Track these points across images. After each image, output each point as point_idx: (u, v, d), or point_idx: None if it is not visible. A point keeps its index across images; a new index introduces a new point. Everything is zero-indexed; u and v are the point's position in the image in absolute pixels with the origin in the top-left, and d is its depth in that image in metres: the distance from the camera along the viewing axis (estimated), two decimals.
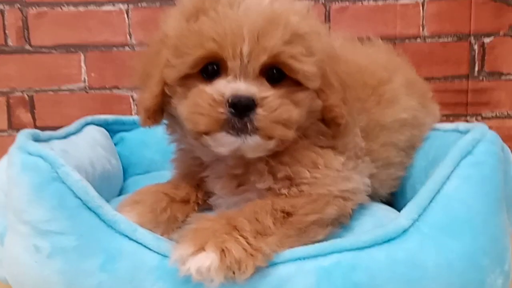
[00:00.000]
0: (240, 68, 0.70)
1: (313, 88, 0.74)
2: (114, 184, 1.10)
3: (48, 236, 0.68)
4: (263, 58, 0.69)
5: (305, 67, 0.71)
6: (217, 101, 0.68)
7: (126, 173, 1.24)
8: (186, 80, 0.73)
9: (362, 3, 1.46)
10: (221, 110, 0.68)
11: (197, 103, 0.70)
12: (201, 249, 0.63)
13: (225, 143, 0.71)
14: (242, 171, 0.78)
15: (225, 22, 0.69)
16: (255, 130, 0.69)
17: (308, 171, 0.76)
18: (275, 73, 0.72)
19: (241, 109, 0.67)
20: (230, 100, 0.67)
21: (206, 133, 0.71)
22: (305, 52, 0.71)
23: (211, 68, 0.72)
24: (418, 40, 1.48)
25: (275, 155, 0.76)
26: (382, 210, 0.87)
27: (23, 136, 0.75)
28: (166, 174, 1.17)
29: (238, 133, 0.69)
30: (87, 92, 1.46)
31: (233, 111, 0.68)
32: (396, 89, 0.95)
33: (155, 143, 1.28)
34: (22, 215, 0.69)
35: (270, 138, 0.70)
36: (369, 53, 1.03)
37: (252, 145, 0.70)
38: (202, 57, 0.71)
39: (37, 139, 0.79)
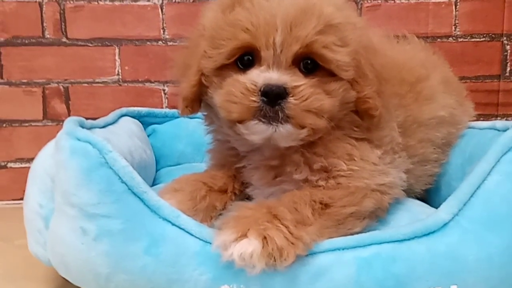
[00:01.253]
0: (273, 57, 0.71)
1: (347, 78, 0.74)
2: (149, 174, 1.13)
3: (95, 219, 0.70)
4: (296, 48, 0.70)
5: (338, 57, 0.72)
6: (249, 90, 0.70)
7: (157, 164, 1.27)
8: (222, 70, 0.76)
9: (394, 1, 1.46)
10: (254, 98, 0.70)
11: (231, 92, 0.72)
12: (244, 235, 0.64)
13: (257, 131, 0.72)
14: (278, 163, 0.80)
15: (259, 13, 0.71)
16: (287, 119, 0.70)
17: (345, 163, 0.77)
18: (309, 63, 0.73)
19: (273, 98, 0.69)
20: (262, 89, 0.69)
21: (240, 121, 0.73)
22: (338, 42, 0.72)
23: (246, 59, 0.75)
24: (450, 39, 1.47)
25: (310, 146, 0.77)
26: (417, 206, 0.88)
27: (71, 123, 0.78)
28: (197, 166, 1.20)
29: (270, 122, 0.70)
30: (120, 85, 1.49)
31: (265, 99, 0.69)
32: (434, 87, 0.96)
33: (186, 135, 1.31)
34: (71, 198, 0.71)
35: (301, 127, 0.71)
36: (406, 50, 1.04)
37: (283, 133, 0.71)
38: (237, 48, 0.73)
39: (82, 127, 0.81)
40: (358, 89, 0.76)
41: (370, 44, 0.79)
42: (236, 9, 0.73)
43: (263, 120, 0.71)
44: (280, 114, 0.70)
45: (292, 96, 0.70)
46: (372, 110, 0.77)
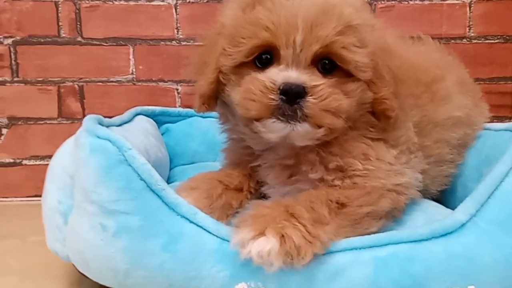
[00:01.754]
0: (293, 57, 0.72)
1: (364, 79, 0.75)
2: (164, 172, 1.14)
3: (114, 216, 0.71)
4: (316, 47, 0.71)
5: (356, 57, 0.72)
6: (268, 88, 0.70)
7: (171, 162, 1.28)
8: (240, 68, 0.76)
9: (408, 2, 1.46)
10: (272, 96, 0.70)
11: (250, 90, 0.72)
12: (262, 233, 0.64)
13: (274, 129, 0.73)
14: (294, 162, 0.80)
15: (280, 12, 0.72)
16: (305, 118, 0.71)
17: (360, 162, 0.77)
18: (327, 63, 0.74)
19: (292, 96, 0.70)
20: (281, 87, 0.70)
21: (257, 119, 0.73)
22: (357, 43, 0.73)
23: (264, 57, 0.75)
24: (464, 40, 1.47)
25: (326, 146, 0.78)
26: (433, 207, 0.88)
27: (90, 121, 0.79)
28: (211, 165, 1.21)
29: (288, 120, 0.71)
30: (134, 84, 1.50)
31: (284, 98, 0.70)
32: (450, 87, 0.96)
33: (199, 135, 1.32)
34: (90, 195, 0.72)
35: (319, 126, 0.72)
36: (421, 51, 1.04)
37: (301, 132, 0.72)
38: (256, 46, 0.74)
39: (100, 125, 0.82)
40: (375, 90, 0.76)
41: (386, 46, 0.79)
42: (257, 8, 0.74)
43: (281, 118, 0.71)
44: (298, 113, 0.70)
45: (310, 96, 0.70)
46: (389, 111, 0.77)
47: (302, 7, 0.72)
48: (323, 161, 0.78)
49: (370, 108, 0.78)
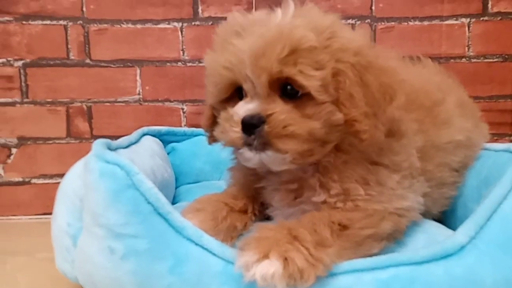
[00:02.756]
0: (252, 89, 0.75)
1: (324, 101, 0.74)
2: (170, 192, 1.16)
3: (122, 239, 0.72)
4: (264, 78, 0.73)
5: (310, 81, 0.72)
6: (235, 121, 0.75)
7: (177, 181, 1.30)
8: (225, 103, 0.81)
9: (408, 23, 1.49)
10: (237, 129, 0.74)
11: (222, 124, 0.77)
12: (266, 256, 0.66)
13: (246, 158, 0.77)
14: (297, 186, 0.82)
15: (235, 51, 0.75)
16: (266, 145, 0.74)
17: (362, 187, 0.78)
18: (290, 89, 0.75)
19: (249, 127, 0.73)
20: (242, 120, 0.74)
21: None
22: (312, 65, 0.73)
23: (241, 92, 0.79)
24: (464, 60, 1.49)
25: (325, 171, 0.79)
26: (434, 227, 0.88)
27: (99, 145, 0.81)
28: (216, 183, 1.23)
29: (254, 149, 0.74)
30: (141, 104, 1.54)
31: (244, 129, 0.74)
32: (450, 110, 0.97)
33: (205, 154, 1.34)
34: (99, 219, 0.74)
35: (283, 151, 0.74)
36: (423, 73, 1.05)
37: (269, 159, 0.75)
38: (227, 85, 0.78)
39: (109, 149, 0.85)
40: (345, 111, 0.75)
41: (369, 64, 0.76)
42: (222, 51, 0.78)
43: (249, 148, 0.75)
44: (256, 142, 0.74)
45: (266, 124, 0.73)
46: (360, 134, 0.75)
47: (250, 42, 0.74)
48: (324, 186, 0.79)
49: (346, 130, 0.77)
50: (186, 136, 1.38)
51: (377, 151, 0.80)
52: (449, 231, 0.85)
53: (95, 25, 1.51)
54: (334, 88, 0.74)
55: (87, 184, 0.78)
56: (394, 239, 0.79)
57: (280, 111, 0.74)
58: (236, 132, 0.75)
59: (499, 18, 1.47)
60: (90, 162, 0.77)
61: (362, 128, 0.74)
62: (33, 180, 1.55)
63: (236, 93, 0.80)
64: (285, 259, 0.66)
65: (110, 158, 0.76)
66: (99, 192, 0.74)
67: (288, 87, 0.75)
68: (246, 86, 0.76)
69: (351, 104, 0.74)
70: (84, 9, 1.50)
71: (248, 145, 0.75)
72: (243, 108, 0.75)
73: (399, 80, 0.79)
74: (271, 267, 0.65)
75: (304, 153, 0.75)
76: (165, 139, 1.34)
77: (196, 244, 0.73)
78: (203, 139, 1.34)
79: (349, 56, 0.75)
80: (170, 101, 1.54)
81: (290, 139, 0.73)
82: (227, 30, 0.79)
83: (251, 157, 0.76)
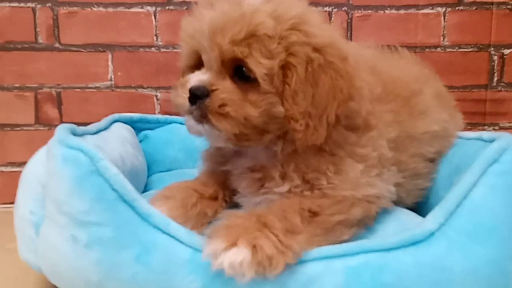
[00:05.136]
0: (208, 61, 0.76)
1: (268, 90, 0.74)
2: (141, 180, 1.13)
3: (86, 227, 0.70)
4: (216, 54, 0.74)
5: (259, 68, 0.72)
6: (186, 88, 0.75)
7: (149, 170, 1.27)
8: (192, 69, 0.81)
9: (384, 11, 1.48)
10: (185, 96, 0.75)
11: (177, 88, 0.78)
12: (234, 244, 0.65)
13: (189, 126, 0.79)
14: (261, 175, 0.81)
15: (200, 21, 0.76)
16: (203, 119, 0.74)
17: (324, 177, 0.78)
18: (244, 71, 0.75)
19: (193, 97, 0.74)
20: (190, 89, 0.74)
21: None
22: (263, 53, 0.73)
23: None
24: (439, 49, 1.50)
25: (285, 161, 0.79)
26: (405, 215, 0.89)
27: (62, 130, 0.78)
28: (189, 171, 1.21)
29: (197, 119, 0.75)
30: (113, 90, 1.49)
31: (190, 98, 0.74)
32: (428, 101, 0.97)
33: (178, 141, 1.32)
34: (62, 206, 0.72)
35: (217, 128, 0.74)
36: (400, 64, 1.05)
37: (206, 132, 0.76)
38: (190, 52, 0.79)
39: (74, 134, 0.81)
40: (286, 106, 0.74)
41: (328, 64, 0.74)
42: (194, 18, 0.78)
43: (191, 116, 0.76)
44: (198, 112, 0.75)
45: (209, 98, 0.74)
46: (295, 133, 0.74)
47: (213, 16, 0.75)
48: (284, 177, 0.79)
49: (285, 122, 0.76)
50: (159, 124, 1.35)
51: (331, 144, 0.79)
52: (420, 219, 0.86)
53: (65, 8, 1.45)
54: (280, 81, 0.74)
55: (49, 171, 0.75)
56: (364, 225, 0.79)
57: (222, 90, 0.74)
58: (183, 98, 0.76)
59: (474, 8, 1.48)
60: (53, 148, 0.74)
61: (297, 128, 0.74)
62: (1, 168, 1.51)
63: (201, 62, 0.79)
64: (254, 246, 0.65)
65: (73, 143, 0.73)
66: (61, 179, 0.72)
67: (243, 68, 0.75)
68: (204, 57, 0.77)
69: (293, 101, 0.74)
70: None
71: (190, 113, 0.76)
72: (196, 78, 0.76)
73: (356, 86, 0.78)
74: (239, 254, 0.64)
75: (239, 136, 0.75)
76: (137, 127, 1.30)
77: (163, 232, 0.72)
78: (177, 127, 1.34)
79: (306, 51, 0.74)
80: (144, 88, 1.50)
81: (225, 118, 0.74)
82: None
83: (193, 125, 0.77)
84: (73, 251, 0.71)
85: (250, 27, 0.72)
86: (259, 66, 0.73)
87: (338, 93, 0.75)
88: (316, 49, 0.74)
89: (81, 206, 0.70)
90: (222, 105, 0.73)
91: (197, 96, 0.74)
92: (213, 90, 0.74)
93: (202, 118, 0.75)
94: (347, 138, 0.80)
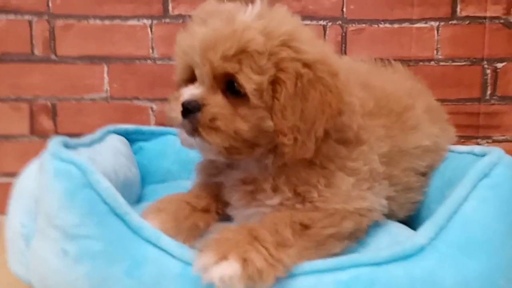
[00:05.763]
0: (200, 76, 0.77)
1: (258, 105, 0.74)
2: (134, 192, 1.13)
3: (76, 240, 0.70)
4: (208, 69, 0.75)
5: (249, 83, 0.73)
6: (179, 102, 0.76)
7: (143, 181, 1.26)
8: (185, 83, 0.82)
9: (378, 25, 1.49)
10: (178, 110, 0.76)
11: (171, 101, 0.79)
12: (224, 258, 0.65)
13: (182, 139, 0.80)
14: (253, 188, 0.81)
15: (193, 37, 0.77)
16: (195, 132, 0.76)
17: (315, 190, 0.78)
18: (235, 86, 0.76)
19: (186, 110, 0.75)
20: (183, 103, 0.76)
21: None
22: (253, 69, 0.73)
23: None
24: (432, 63, 1.51)
25: (278, 175, 0.80)
26: (397, 228, 0.89)
27: (55, 143, 0.78)
28: (183, 183, 1.20)
29: (189, 132, 0.76)
30: (108, 102, 1.50)
31: (183, 112, 0.75)
32: (419, 116, 0.97)
33: (172, 153, 1.32)
34: (53, 220, 0.71)
35: (208, 142, 0.75)
36: (394, 78, 1.06)
37: (199, 145, 0.77)
38: (184, 66, 0.81)
39: (67, 146, 0.82)
40: (275, 121, 0.75)
41: (318, 79, 0.75)
42: (187, 34, 0.80)
43: (184, 129, 0.77)
44: (188, 126, 0.76)
45: (201, 113, 0.75)
46: (284, 147, 0.75)
47: (205, 32, 0.76)
48: (275, 189, 0.80)
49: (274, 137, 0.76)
50: (154, 135, 1.35)
51: (322, 158, 0.80)
52: (412, 232, 0.86)
53: (61, 20, 1.46)
54: (270, 96, 0.75)
55: (41, 184, 0.75)
56: (356, 238, 0.80)
57: (213, 104, 0.75)
58: (176, 112, 0.77)
59: (467, 22, 1.50)
60: (45, 161, 0.74)
61: (286, 142, 0.75)
62: None
63: (195, 76, 0.80)
64: (244, 260, 0.65)
65: (65, 156, 0.73)
66: (53, 192, 0.72)
67: (235, 84, 0.75)
68: (197, 72, 0.78)
69: (282, 115, 0.75)
70: (50, 4, 1.45)
71: (184, 127, 0.77)
72: (188, 92, 0.77)
73: (345, 101, 0.78)
74: (230, 268, 0.64)
75: (230, 149, 0.76)
76: (132, 138, 1.30)
77: (154, 246, 0.71)
78: (172, 139, 1.34)
79: (296, 67, 0.75)
80: (139, 99, 1.51)
81: (216, 132, 0.74)
82: (198, 15, 0.81)
83: (185, 138, 0.78)
84: (63, 265, 0.70)
85: (241, 44, 0.73)
86: (249, 81, 0.73)
87: (327, 108, 0.75)
88: (306, 65, 0.75)
89: (72, 220, 0.70)
90: (213, 119, 0.74)
91: (189, 110, 0.75)
92: (204, 105, 0.75)
93: (194, 131, 0.76)
94: (338, 152, 0.81)
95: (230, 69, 0.74)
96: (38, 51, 1.47)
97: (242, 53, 0.73)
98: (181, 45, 0.80)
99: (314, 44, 0.79)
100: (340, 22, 1.49)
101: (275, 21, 0.77)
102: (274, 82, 0.75)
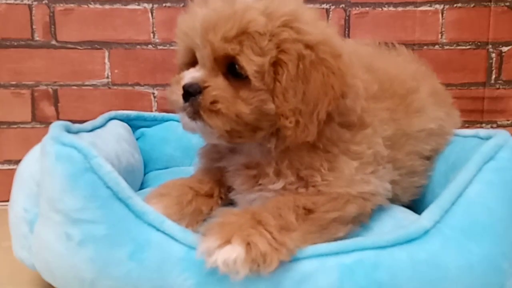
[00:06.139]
0: (201, 59, 0.76)
1: (259, 88, 0.73)
2: (137, 178, 1.13)
3: (80, 224, 0.70)
4: (209, 51, 0.74)
5: (250, 65, 0.72)
6: (180, 85, 0.75)
7: (146, 167, 1.27)
8: (187, 66, 0.81)
9: (382, 9, 1.48)
10: (179, 93, 0.75)
11: (172, 85, 0.78)
12: (228, 242, 0.65)
13: (183, 123, 0.79)
14: (256, 172, 0.81)
15: (194, 18, 0.76)
16: (196, 115, 0.75)
17: (318, 174, 0.77)
18: (236, 68, 0.74)
19: (186, 94, 0.74)
20: (183, 86, 0.75)
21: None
22: (255, 50, 0.72)
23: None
24: (437, 47, 1.49)
25: (281, 159, 0.79)
26: (401, 212, 0.89)
27: (56, 128, 0.78)
28: (185, 169, 1.20)
29: (190, 116, 0.76)
30: (110, 88, 1.49)
31: (183, 95, 0.75)
32: (424, 99, 0.96)
33: (175, 139, 1.32)
34: (55, 204, 0.71)
35: (209, 125, 0.74)
36: (398, 61, 1.04)
37: (201, 129, 0.76)
38: (185, 49, 0.79)
39: (68, 131, 0.81)
40: (277, 103, 0.74)
41: (321, 61, 0.74)
42: (188, 16, 0.79)
43: (185, 113, 0.76)
44: (189, 109, 0.75)
45: (202, 95, 0.74)
46: (285, 130, 0.74)
47: (206, 14, 0.75)
48: (279, 174, 0.79)
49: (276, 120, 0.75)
50: (156, 121, 1.35)
51: (325, 141, 0.79)
52: (416, 216, 0.85)
53: (61, 5, 1.44)
54: (271, 78, 0.74)
55: (43, 169, 0.75)
56: (359, 222, 0.79)
57: (214, 87, 0.74)
58: (177, 95, 0.76)
59: (472, 5, 1.47)
60: (46, 145, 0.74)
61: (287, 125, 0.74)
62: None
63: (196, 59, 0.79)
64: (248, 243, 0.65)
65: (66, 140, 0.73)
66: (55, 176, 0.71)
67: (236, 66, 0.74)
68: (198, 55, 0.77)
69: (283, 98, 0.74)
70: None
71: (184, 110, 0.76)
72: (189, 75, 0.76)
73: (349, 84, 0.77)
74: (233, 252, 0.64)
75: (232, 132, 0.75)
76: (134, 124, 1.30)
77: (158, 230, 0.71)
78: (174, 125, 1.33)
79: (297, 48, 0.73)
80: (141, 85, 1.49)
81: (217, 115, 0.74)
82: None
83: (187, 122, 0.78)
84: (67, 249, 0.71)
85: (242, 25, 0.72)
86: (250, 63, 0.72)
87: (329, 90, 0.74)
88: (308, 46, 0.74)
89: (75, 204, 0.70)
90: (214, 102, 0.73)
91: (190, 93, 0.74)
92: (205, 87, 0.74)
93: (195, 115, 0.75)
94: (341, 136, 0.80)
95: (230, 51, 0.72)
96: (38, 36, 1.45)
97: (243, 34, 0.72)
98: (182, 27, 0.78)
99: (316, 25, 0.77)
100: (343, 5, 1.47)
101: (276, 2, 0.76)
102: (276, 64, 0.73)
